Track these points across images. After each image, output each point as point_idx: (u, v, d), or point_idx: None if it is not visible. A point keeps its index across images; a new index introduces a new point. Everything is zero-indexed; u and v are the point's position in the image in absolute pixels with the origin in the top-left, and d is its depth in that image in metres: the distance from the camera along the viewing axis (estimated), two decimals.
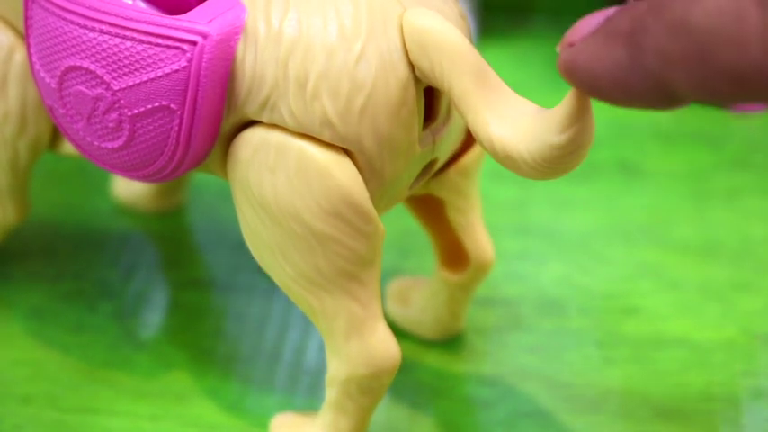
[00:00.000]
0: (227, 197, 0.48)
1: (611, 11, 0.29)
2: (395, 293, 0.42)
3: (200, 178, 0.49)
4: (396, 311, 0.42)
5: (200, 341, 0.42)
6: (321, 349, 0.41)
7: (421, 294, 0.41)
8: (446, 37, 0.32)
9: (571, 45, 0.29)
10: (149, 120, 0.33)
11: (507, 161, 0.31)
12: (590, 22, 0.29)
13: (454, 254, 0.40)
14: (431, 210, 0.39)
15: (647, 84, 0.27)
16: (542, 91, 0.54)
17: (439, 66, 0.32)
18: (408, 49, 0.33)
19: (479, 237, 0.39)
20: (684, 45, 0.26)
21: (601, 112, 0.53)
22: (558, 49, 0.30)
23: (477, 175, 0.38)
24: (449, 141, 0.35)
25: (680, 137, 0.52)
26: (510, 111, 0.31)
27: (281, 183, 0.33)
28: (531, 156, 0.31)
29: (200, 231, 0.46)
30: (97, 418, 0.39)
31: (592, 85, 0.28)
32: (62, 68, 0.34)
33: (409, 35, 0.32)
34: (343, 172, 0.33)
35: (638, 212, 0.47)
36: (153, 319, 0.43)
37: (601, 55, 0.28)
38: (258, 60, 0.33)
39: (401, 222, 0.47)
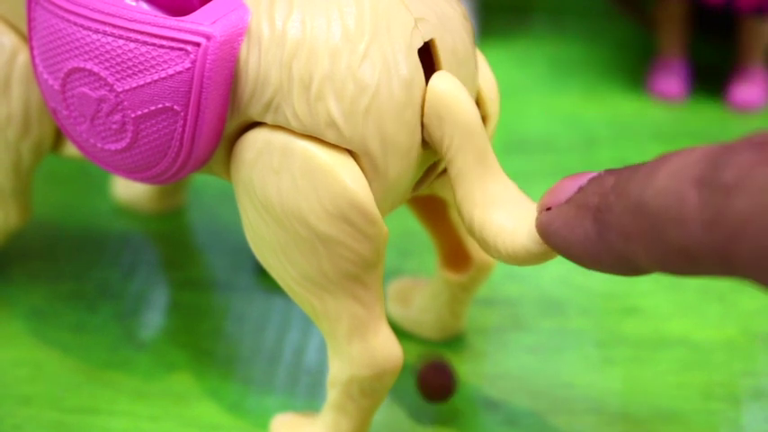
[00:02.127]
0: (227, 198, 0.48)
1: (584, 179, 0.30)
2: (396, 294, 0.42)
3: (201, 179, 0.49)
4: (396, 312, 0.42)
5: (201, 342, 0.42)
6: (321, 350, 0.41)
7: (422, 295, 0.41)
8: (464, 114, 0.33)
9: (548, 209, 0.31)
10: (153, 121, 0.33)
11: (480, 242, 0.33)
12: (566, 189, 0.30)
13: (456, 254, 0.40)
14: (433, 210, 0.39)
15: (612, 256, 0.29)
16: (542, 91, 0.54)
17: (449, 139, 0.33)
18: (425, 113, 0.33)
19: None
20: (641, 224, 0.27)
21: (601, 111, 0.53)
22: (536, 209, 0.32)
23: None
24: None
25: (680, 137, 0.52)
26: (499, 199, 0.33)
27: (286, 184, 0.33)
28: (506, 251, 0.32)
29: (200, 232, 0.46)
30: (97, 418, 0.39)
31: (565, 250, 0.30)
32: (65, 70, 0.34)
33: (430, 102, 0.33)
34: (347, 173, 0.33)
35: None
36: (153, 319, 0.42)
37: (573, 224, 0.30)
38: (262, 62, 0.32)
39: (402, 223, 0.47)
